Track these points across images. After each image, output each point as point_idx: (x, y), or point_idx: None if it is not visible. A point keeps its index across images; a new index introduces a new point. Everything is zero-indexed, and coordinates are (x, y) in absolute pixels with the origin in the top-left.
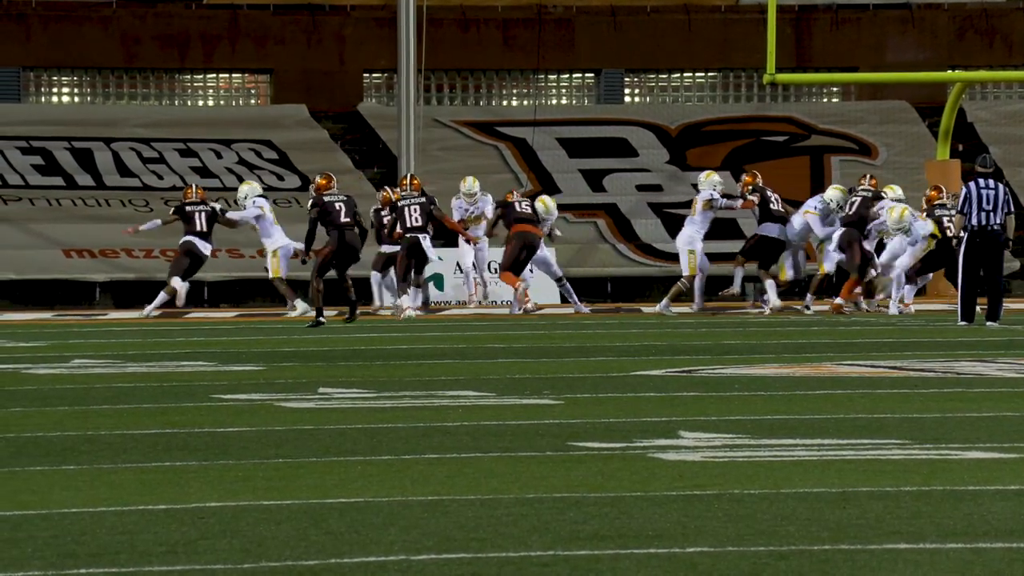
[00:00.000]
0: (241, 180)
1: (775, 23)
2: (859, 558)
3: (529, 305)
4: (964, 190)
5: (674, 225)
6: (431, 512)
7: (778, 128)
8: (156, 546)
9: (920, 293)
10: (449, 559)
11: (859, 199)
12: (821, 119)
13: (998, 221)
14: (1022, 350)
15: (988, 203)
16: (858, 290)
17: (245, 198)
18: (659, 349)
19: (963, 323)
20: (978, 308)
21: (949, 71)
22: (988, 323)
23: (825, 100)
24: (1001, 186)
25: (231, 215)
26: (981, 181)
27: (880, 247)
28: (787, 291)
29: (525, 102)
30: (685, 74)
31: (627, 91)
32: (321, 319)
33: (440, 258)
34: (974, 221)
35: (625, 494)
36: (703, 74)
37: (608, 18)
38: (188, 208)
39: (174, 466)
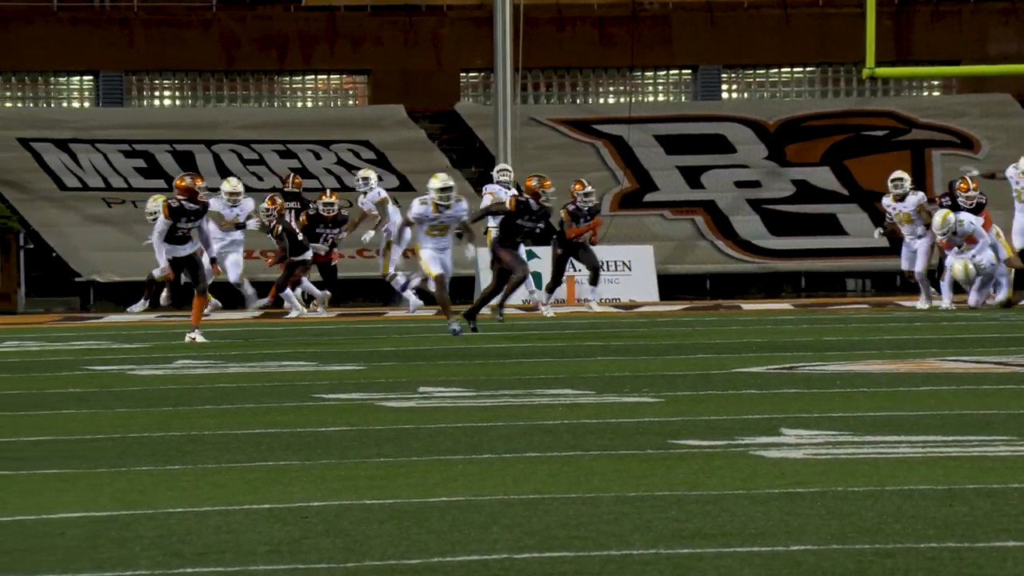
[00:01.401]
0: (340, 181)
1: (874, 16)
2: (966, 556)
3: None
4: None
5: (773, 221)
6: (532, 510)
7: (878, 123)
8: (260, 545)
9: None
10: (551, 557)
11: None
12: (921, 113)
13: None
14: None
15: None
16: None
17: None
18: (760, 346)
19: None
20: None
21: None
22: None
23: (925, 94)
24: None
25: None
26: None
27: None
28: None
29: (621, 99)
30: (783, 69)
31: (724, 87)
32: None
33: (537, 256)
34: None
35: (727, 492)
36: (801, 69)
37: (704, 13)
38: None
39: (277, 465)
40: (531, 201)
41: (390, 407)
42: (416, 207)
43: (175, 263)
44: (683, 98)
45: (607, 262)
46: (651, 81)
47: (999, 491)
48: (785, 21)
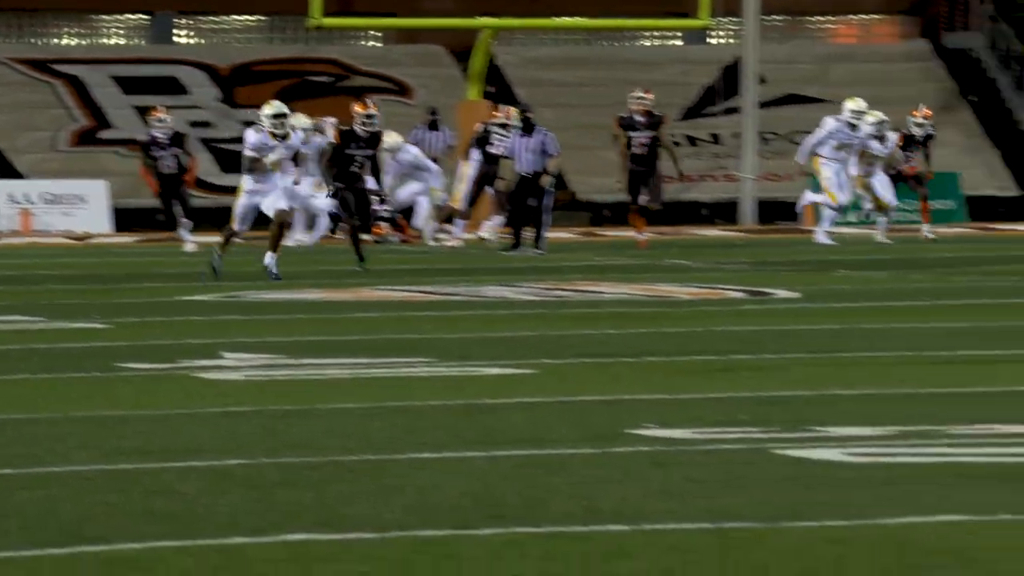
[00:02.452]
0: None
1: None
2: (387, 466)
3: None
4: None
5: (224, 159)
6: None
7: (323, 69)
8: None
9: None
10: None
11: None
12: (362, 61)
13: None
14: (541, 275)
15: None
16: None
17: None
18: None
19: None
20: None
21: (480, 18)
22: (532, 251)
23: (365, 44)
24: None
25: None
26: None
27: None
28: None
29: (81, 41)
30: (235, 17)
31: (180, 32)
32: None
33: None
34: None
35: (169, 412)
36: (252, 17)
37: None
38: None
39: None
40: (356, 129)
41: None
42: (251, 136)
43: None
44: (141, 42)
45: (61, 196)
46: (108, 24)
47: (418, 408)
48: None
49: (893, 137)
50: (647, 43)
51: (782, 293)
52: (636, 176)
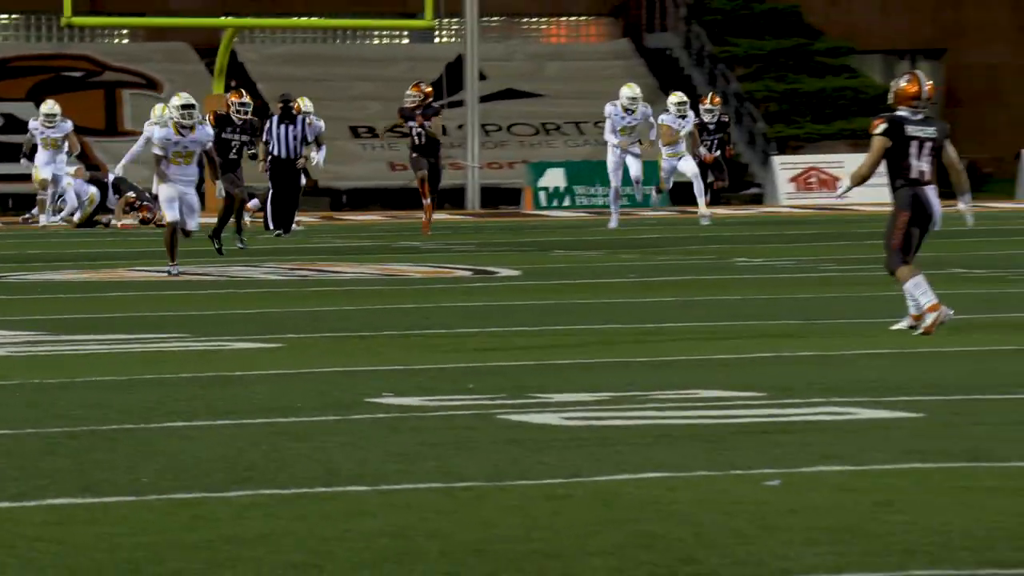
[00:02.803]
0: None
1: None
2: (142, 435)
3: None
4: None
5: None
6: None
7: (76, 65)
8: None
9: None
10: None
11: None
12: (114, 58)
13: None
14: (285, 256)
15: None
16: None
17: None
18: None
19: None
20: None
21: (223, 17)
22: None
23: (116, 41)
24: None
25: None
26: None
27: None
28: None
29: None
30: None
31: None
32: None
33: None
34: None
35: None
36: (7, 16)
37: None
38: None
39: None
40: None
41: None
42: (157, 131)
43: None
44: None
45: None
46: None
47: (171, 380)
48: None
49: (691, 116)
50: (377, 42)
51: (505, 271)
52: (417, 163)
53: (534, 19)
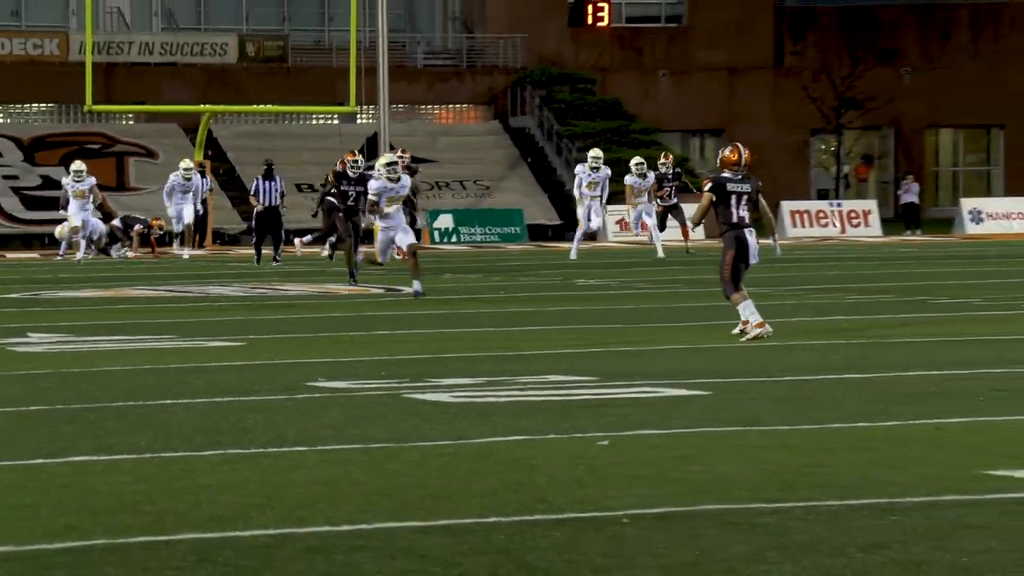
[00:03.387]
0: None
1: (90, 71)
2: (140, 410)
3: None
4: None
5: (28, 202)
6: None
7: (95, 139)
8: None
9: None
10: None
11: None
12: (121, 134)
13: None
14: (247, 279)
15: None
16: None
17: None
18: None
19: None
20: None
21: (202, 105)
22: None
23: (124, 122)
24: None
25: None
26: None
27: None
28: None
29: None
30: (34, 104)
31: None
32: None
33: None
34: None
35: None
36: (45, 105)
37: None
38: None
39: None
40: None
41: None
42: (373, 183)
43: None
44: None
45: None
46: None
47: (164, 369)
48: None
49: (651, 175)
50: (315, 122)
51: (408, 289)
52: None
53: (429, 106)
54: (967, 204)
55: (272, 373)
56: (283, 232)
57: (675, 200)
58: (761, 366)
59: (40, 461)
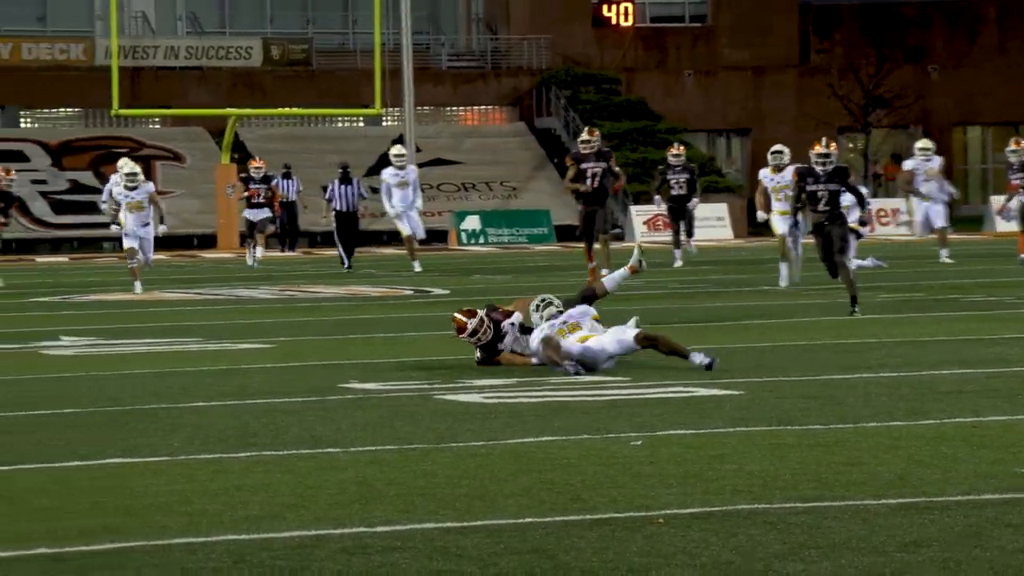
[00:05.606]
0: None
1: (117, 75)
2: (172, 412)
3: None
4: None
5: (56, 206)
6: None
7: (121, 144)
8: None
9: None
10: None
11: None
12: (148, 138)
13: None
14: (276, 281)
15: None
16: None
17: None
18: None
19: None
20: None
21: (228, 108)
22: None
23: (151, 126)
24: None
25: None
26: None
27: None
28: None
29: None
30: (62, 109)
31: (24, 119)
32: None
33: None
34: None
35: (17, 377)
36: (73, 110)
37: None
38: None
39: None
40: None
41: None
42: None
43: None
44: None
45: None
46: None
47: (191, 372)
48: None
49: (789, 169)
50: (341, 124)
51: (437, 291)
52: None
53: (455, 108)
54: (997, 202)
55: (303, 375)
56: (358, 237)
57: (686, 192)
58: (793, 365)
59: (75, 464)
